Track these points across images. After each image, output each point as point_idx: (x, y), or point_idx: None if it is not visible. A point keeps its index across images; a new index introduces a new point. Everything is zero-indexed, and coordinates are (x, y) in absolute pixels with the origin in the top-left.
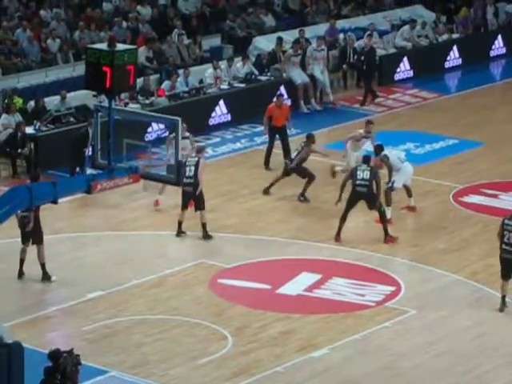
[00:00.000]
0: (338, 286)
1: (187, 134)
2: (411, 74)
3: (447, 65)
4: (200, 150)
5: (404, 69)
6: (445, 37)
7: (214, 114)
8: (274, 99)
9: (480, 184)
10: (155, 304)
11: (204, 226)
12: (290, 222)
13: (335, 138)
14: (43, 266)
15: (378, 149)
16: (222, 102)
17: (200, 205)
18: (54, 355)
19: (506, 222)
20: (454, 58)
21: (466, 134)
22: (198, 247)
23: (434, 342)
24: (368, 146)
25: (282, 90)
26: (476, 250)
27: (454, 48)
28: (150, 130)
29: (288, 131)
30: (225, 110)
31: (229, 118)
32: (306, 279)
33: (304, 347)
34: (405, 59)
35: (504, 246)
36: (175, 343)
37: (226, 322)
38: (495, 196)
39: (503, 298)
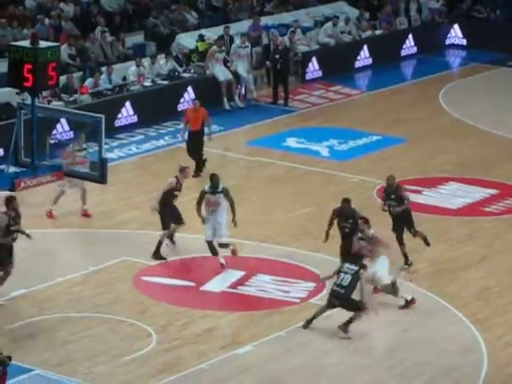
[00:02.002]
0: (263, 283)
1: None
2: (320, 73)
3: (361, 63)
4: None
5: (313, 69)
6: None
7: (120, 116)
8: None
9: (403, 180)
10: (79, 302)
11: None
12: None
13: (258, 134)
14: None
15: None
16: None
17: (162, 224)
18: None
19: (347, 266)
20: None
21: (389, 131)
22: (122, 245)
23: (356, 337)
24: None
25: (190, 90)
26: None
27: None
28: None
29: (205, 137)
30: (131, 112)
31: (135, 119)
32: (229, 276)
33: (228, 344)
34: (314, 59)
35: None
36: (99, 341)
37: (150, 319)
38: (419, 192)
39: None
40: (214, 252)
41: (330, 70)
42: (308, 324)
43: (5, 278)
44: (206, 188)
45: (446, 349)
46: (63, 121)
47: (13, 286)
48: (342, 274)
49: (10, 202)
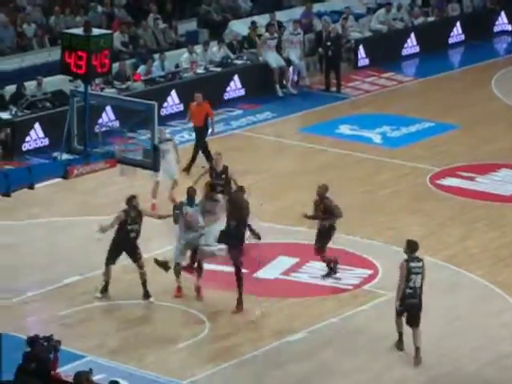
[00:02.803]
0: (315, 270)
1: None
2: (368, 61)
3: (409, 51)
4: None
5: (363, 56)
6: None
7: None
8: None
9: (456, 167)
10: (132, 289)
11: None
12: (265, 205)
13: (310, 121)
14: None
15: None
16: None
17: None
18: (32, 341)
19: (412, 265)
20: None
21: (441, 117)
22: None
23: None
24: None
25: (237, 78)
26: (453, 233)
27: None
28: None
29: (209, 131)
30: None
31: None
32: (283, 263)
33: (281, 331)
34: (363, 46)
35: (408, 290)
36: (153, 328)
37: (203, 306)
38: (471, 178)
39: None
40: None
41: (379, 57)
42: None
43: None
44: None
45: (497, 336)
46: (108, 109)
47: (66, 273)
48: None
49: (129, 200)
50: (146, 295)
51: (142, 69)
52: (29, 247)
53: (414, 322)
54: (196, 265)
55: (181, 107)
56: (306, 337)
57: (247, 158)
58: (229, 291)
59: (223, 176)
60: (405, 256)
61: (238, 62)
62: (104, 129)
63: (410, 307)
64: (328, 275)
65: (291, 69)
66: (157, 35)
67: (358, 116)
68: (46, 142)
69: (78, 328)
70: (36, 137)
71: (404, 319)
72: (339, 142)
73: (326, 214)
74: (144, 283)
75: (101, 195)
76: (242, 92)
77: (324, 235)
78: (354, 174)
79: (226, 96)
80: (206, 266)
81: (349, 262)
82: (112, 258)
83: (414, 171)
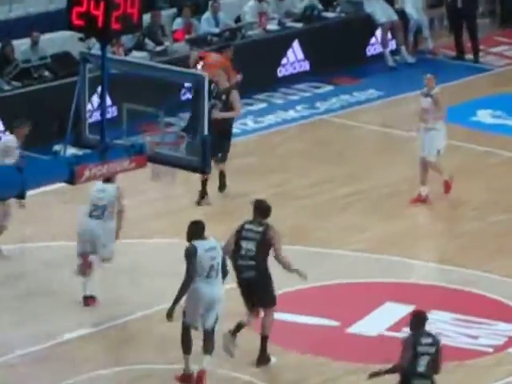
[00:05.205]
0: (440, 324)
1: None
2: None
3: None
4: None
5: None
6: None
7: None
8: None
9: None
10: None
11: None
12: (365, 226)
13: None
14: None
15: None
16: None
17: None
18: None
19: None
20: None
21: None
22: None
23: None
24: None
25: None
26: None
27: None
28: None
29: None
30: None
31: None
32: (391, 312)
33: None
34: None
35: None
36: None
37: (273, 373)
38: None
39: None
40: None
41: None
42: None
43: None
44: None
45: None
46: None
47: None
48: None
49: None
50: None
51: (184, 23)
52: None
53: None
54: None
55: None
56: None
57: (340, 157)
58: (310, 354)
59: (223, 96)
60: None
61: (329, 14)
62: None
63: None
64: None
65: (409, 26)
66: None
67: (504, 96)
68: None
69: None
70: None
71: None
72: (477, 135)
73: None
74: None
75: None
76: (336, 59)
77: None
78: (497, 184)
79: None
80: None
81: (488, 312)
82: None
83: None
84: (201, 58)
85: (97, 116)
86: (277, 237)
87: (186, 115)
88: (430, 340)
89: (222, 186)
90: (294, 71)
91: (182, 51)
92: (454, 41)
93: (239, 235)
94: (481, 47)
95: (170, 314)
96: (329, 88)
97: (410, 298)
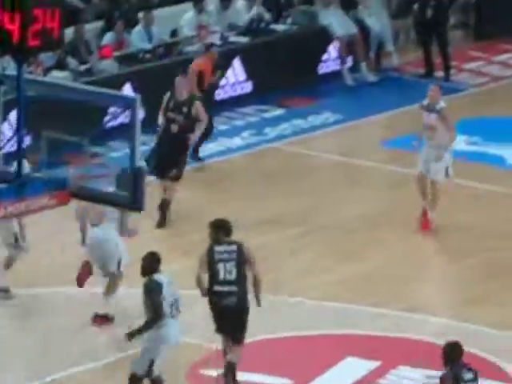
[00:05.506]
0: (409, 382)
1: None
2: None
3: None
4: None
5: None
6: None
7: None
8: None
9: None
10: None
11: None
12: (320, 270)
13: (401, 129)
14: None
15: None
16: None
17: None
18: None
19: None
20: None
21: None
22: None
23: None
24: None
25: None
26: None
27: None
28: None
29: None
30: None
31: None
32: (352, 369)
33: None
34: None
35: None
36: None
37: None
38: None
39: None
40: None
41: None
42: None
43: None
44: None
45: None
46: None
47: None
48: None
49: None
50: None
51: (112, 37)
52: None
53: None
54: None
55: None
56: None
57: (292, 191)
58: None
59: (184, 109)
60: None
61: (279, 26)
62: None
63: None
64: None
65: (370, 39)
66: None
67: (480, 119)
68: None
69: None
70: None
71: None
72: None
73: None
74: None
75: (46, 256)
76: (285, 77)
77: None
78: (471, 218)
79: None
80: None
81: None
82: None
83: None
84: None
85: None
86: (251, 253)
87: (117, 144)
88: (471, 375)
89: (161, 222)
90: (234, 93)
91: (109, 70)
92: (422, 56)
93: (211, 260)
94: (453, 63)
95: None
96: (278, 111)
97: (374, 352)
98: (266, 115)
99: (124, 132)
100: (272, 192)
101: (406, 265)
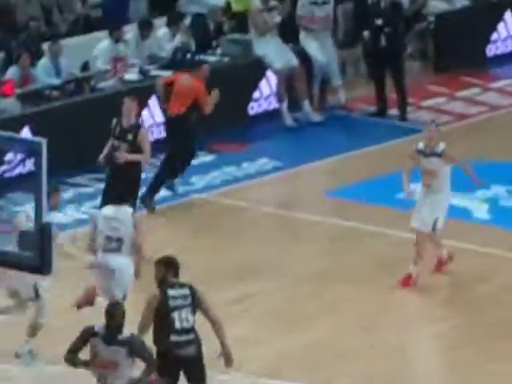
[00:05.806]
0: None
1: None
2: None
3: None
4: None
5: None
6: None
7: None
8: None
9: None
10: None
11: None
12: (258, 341)
13: (348, 178)
14: None
15: None
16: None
17: None
18: None
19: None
20: None
21: None
22: None
23: None
24: None
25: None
26: None
27: None
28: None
29: None
30: None
31: None
32: None
33: None
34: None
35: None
36: None
37: None
38: None
39: None
40: None
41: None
42: None
43: None
44: None
45: None
46: None
47: None
48: None
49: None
50: None
51: (16, 72)
52: None
53: None
54: None
55: None
56: None
57: (224, 249)
58: None
59: (129, 136)
60: None
61: (207, 58)
62: None
63: None
64: None
65: (313, 72)
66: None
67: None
68: None
69: None
70: None
71: None
72: (405, 218)
73: None
74: None
75: None
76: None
77: None
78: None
79: None
80: None
81: None
82: None
83: None
84: (169, 85)
85: None
86: (204, 295)
87: (20, 195)
88: None
89: None
90: (150, 138)
91: (11, 110)
92: (373, 91)
93: (165, 307)
94: (409, 100)
95: None
96: (208, 157)
97: None
98: (193, 162)
99: (27, 181)
100: (199, 249)
101: (360, 331)
